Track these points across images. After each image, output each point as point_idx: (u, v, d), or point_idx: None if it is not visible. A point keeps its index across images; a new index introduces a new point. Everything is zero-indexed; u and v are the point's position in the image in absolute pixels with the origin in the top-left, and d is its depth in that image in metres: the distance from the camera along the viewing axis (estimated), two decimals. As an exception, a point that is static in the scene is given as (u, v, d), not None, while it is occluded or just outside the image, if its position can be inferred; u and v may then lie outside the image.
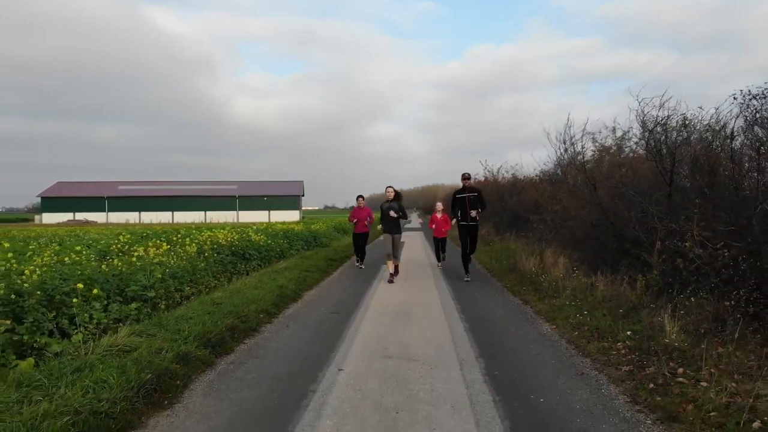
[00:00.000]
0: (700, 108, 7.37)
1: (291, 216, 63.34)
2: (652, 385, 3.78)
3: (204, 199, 70.01)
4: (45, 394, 3.43)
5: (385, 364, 4.55)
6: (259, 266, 11.60)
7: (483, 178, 21.36)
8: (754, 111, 6.40)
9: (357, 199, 11.89)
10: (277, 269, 10.24)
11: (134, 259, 7.61)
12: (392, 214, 9.63)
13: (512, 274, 9.96)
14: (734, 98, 6.49)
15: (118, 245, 9.54)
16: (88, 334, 5.08)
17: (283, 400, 3.74)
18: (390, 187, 9.98)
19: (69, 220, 63.66)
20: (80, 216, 65.72)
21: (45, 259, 6.81)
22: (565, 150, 10.52)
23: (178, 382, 3.97)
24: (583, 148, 10.94)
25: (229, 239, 11.71)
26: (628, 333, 4.95)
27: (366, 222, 11.59)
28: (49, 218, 65.22)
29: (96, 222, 63.20)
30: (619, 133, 10.43)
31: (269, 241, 13.69)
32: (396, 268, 9.65)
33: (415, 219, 58.93)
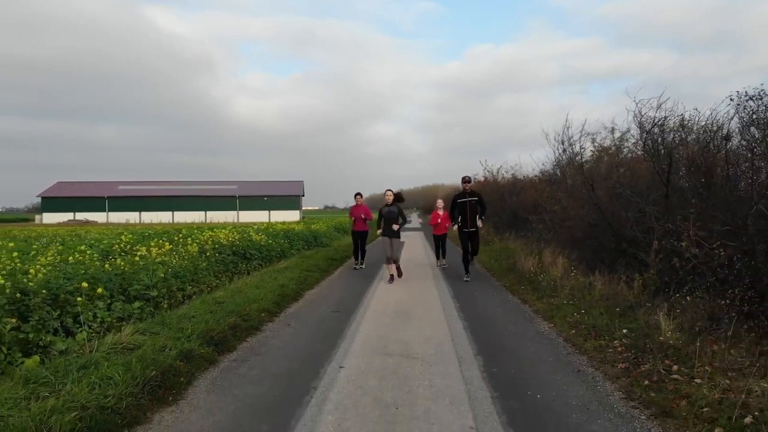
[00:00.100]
0: (696, 110, 7.47)
1: (291, 216, 63.41)
2: (647, 382, 3.86)
3: (204, 199, 70.11)
4: (52, 391, 3.51)
5: (386, 361, 4.62)
6: (260, 266, 11.69)
7: (483, 179, 21.46)
8: (751, 112, 6.48)
9: (355, 197, 11.86)
10: (278, 269, 10.32)
11: (137, 258, 7.69)
12: (395, 227, 9.48)
13: (511, 274, 10.04)
14: (730, 99, 6.57)
15: (121, 245, 9.62)
16: (92, 333, 5.16)
17: (286, 396, 3.82)
18: (389, 190, 9.77)
19: (69, 220, 63.74)
20: (80, 216, 65.81)
21: (49, 258, 6.89)
22: (563, 151, 10.61)
23: (182, 378, 4.05)
24: (581, 148, 11.04)
25: (230, 239, 11.80)
26: (625, 331, 5.03)
27: (362, 216, 11.45)
28: (50, 218, 65.31)
29: (96, 222, 63.29)
30: (617, 134, 10.52)
31: (270, 241, 13.78)
32: (398, 269, 9.56)
33: (415, 219, 59.03)
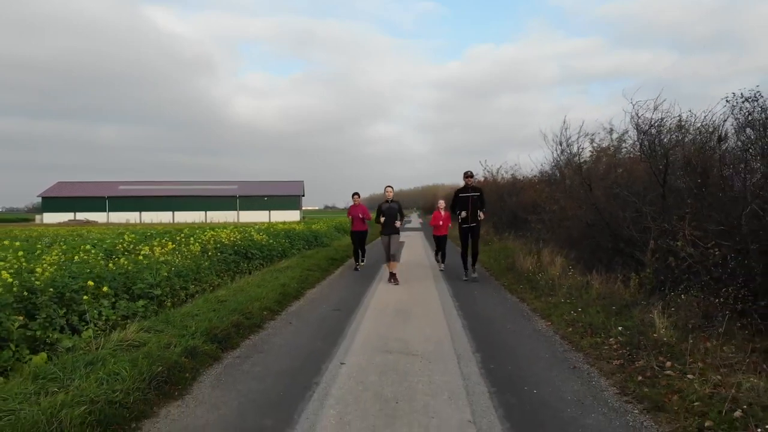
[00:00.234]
0: (689, 111, 7.58)
1: (291, 216, 63.51)
2: (640, 378, 3.96)
3: (204, 199, 70.21)
4: (60, 386, 3.61)
5: (386, 358, 4.72)
6: (261, 265, 11.77)
7: (483, 179, 21.54)
8: (747, 113, 6.58)
9: (353, 196, 11.75)
10: (279, 268, 10.41)
11: (141, 257, 7.79)
12: (397, 224, 9.55)
13: (510, 273, 10.14)
14: (726, 101, 6.67)
15: (124, 244, 9.72)
16: (97, 330, 5.26)
17: (288, 391, 3.91)
18: (389, 186, 9.89)
19: (70, 220, 63.85)
20: (81, 216, 65.89)
21: (54, 257, 6.99)
22: (561, 152, 10.69)
23: (187, 374, 4.15)
24: (579, 149, 11.14)
25: (231, 239, 11.90)
26: (620, 329, 5.12)
27: (360, 215, 11.41)
28: (50, 218, 65.40)
29: (97, 222, 63.38)
30: (615, 135, 10.62)
31: (271, 241, 13.88)
32: (394, 277, 9.48)
33: (415, 219, 59.09)
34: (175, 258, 8.52)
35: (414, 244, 19.34)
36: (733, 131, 6.97)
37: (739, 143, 6.82)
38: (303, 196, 75.89)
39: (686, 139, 7.80)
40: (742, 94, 6.46)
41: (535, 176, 16.44)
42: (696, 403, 3.38)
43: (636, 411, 3.51)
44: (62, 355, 4.40)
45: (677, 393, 3.59)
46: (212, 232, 12.55)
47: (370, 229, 12.24)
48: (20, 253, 6.77)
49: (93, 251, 7.95)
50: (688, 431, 3.15)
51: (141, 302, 6.29)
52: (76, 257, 7.14)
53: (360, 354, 4.87)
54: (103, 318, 5.54)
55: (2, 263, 5.97)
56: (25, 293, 5.05)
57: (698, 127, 7.53)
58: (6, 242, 10.97)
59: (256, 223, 29.99)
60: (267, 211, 69.28)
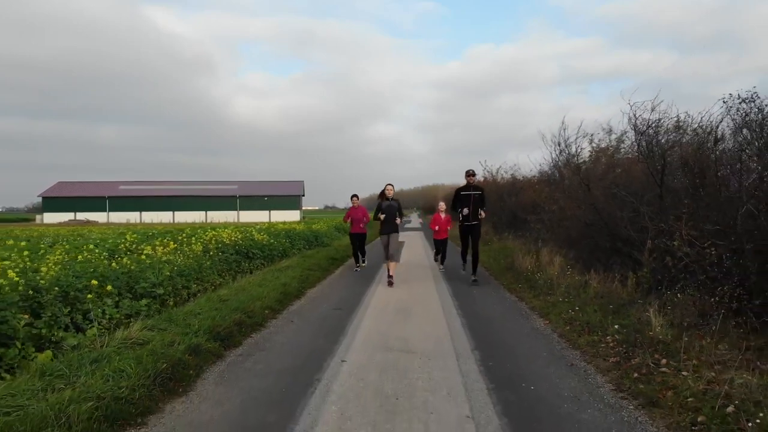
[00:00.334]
0: (686, 112, 7.64)
1: (291, 216, 63.60)
2: (636, 375, 4.03)
3: (204, 199, 70.30)
4: (67, 383, 3.69)
5: (386, 356, 4.80)
6: (262, 265, 11.85)
7: (482, 179, 21.61)
8: (744, 114, 6.66)
9: (351, 198, 11.43)
10: (280, 268, 10.49)
11: (144, 257, 7.86)
12: (398, 221, 9.50)
13: (509, 273, 10.21)
14: (723, 102, 6.75)
15: (126, 244, 9.80)
16: (101, 329, 5.34)
17: (290, 388, 3.99)
18: (390, 184, 9.72)
19: (70, 220, 63.93)
20: (81, 216, 65.98)
21: (57, 257, 7.06)
22: (560, 152, 10.76)
23: (191, 371, 4.22)
24: (578, 149, 11.21)
25: (233, 239, 11.98)
26: (617, 327, 5.19)
27: (362, 224, 11.28)
28: (50, 218, 65.48)
29: (97, 222, 63.47)
30: (614, 135, 10.69)
31: (272, 241, 13.96)
32: (391, 277, 9.30)
33: (415, 219, 59.15)
34: (177, 257, 8.59)
35: (414, 244, 19.41)
36: (729, 132, 7.06)
37: (736, 144, 6.90)
38: (303, 196, 76.00)
39: (684, 140, 7.87)
40: (739, 95, 6.55)
41: (534, 176, 16.51)
42: (690, 399, 3.46)
43: (631, 407, 3.59)
44: (67, 352, 4.47)
45: (672, 389, 3.66)
46: (214, 232, 12.62)
47: (369, 230, 12.16)
48: (25, 253, 6.85)
49: (96, 251, 8.02)
50: (681, 426, 3.23)
51: (144, 301, 6.37)
52: (79, 257, 7.21)
53: (361, 352, 4.95)
54: (107, 317, 5.62)
55: (7, 263, 6.05)
56: (31, 292, 5.13)
57: (695, 128, 7.60)
58: (10, 242, 11.04)
59: (256, 223, 30.07)
60: (267, 211, 69.37)
